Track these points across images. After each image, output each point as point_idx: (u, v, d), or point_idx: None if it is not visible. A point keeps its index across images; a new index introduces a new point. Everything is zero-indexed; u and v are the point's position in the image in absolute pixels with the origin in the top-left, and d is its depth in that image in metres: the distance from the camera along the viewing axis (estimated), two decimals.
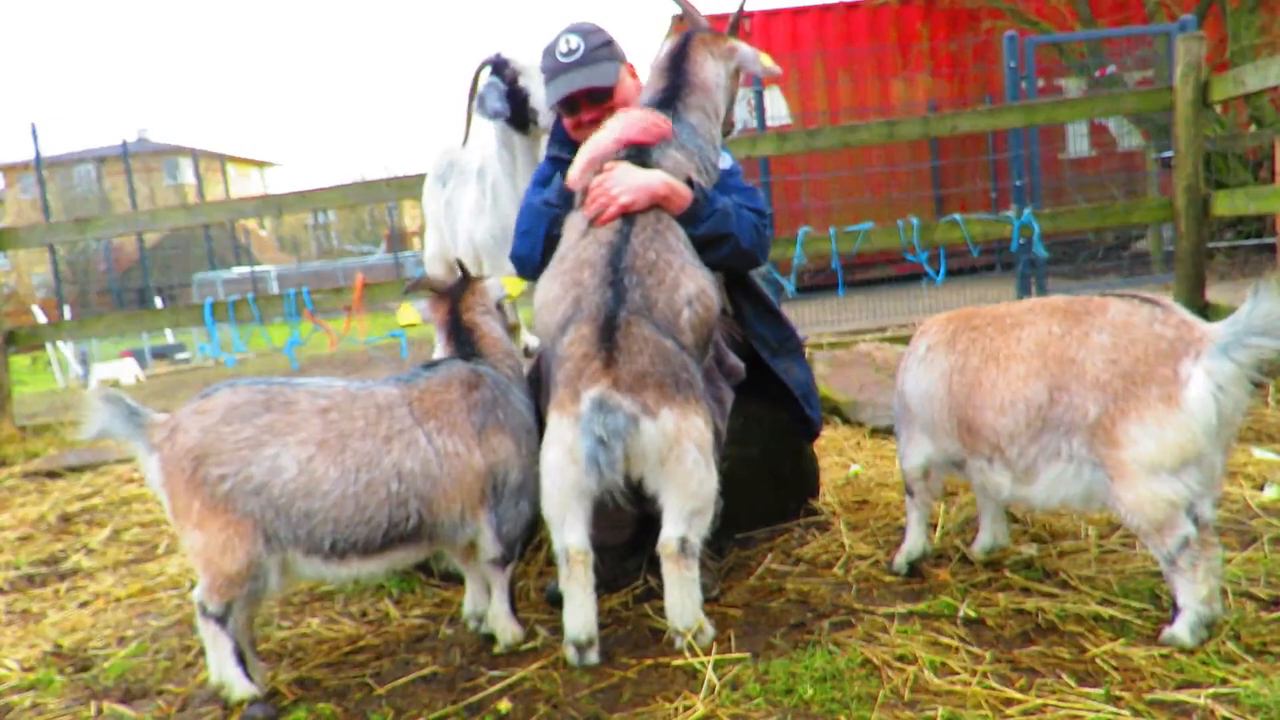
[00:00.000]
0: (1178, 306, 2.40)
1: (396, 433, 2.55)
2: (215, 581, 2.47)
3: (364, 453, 2.51)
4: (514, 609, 2.76)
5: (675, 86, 2.91)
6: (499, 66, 3.44)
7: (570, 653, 2.57)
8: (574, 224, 2.78)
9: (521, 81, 3.41)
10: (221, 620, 2.49)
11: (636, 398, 2.44)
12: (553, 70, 3.14)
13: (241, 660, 2.53)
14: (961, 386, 2.64)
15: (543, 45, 3.21)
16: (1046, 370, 2.44)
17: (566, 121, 3.26)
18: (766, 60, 3.01)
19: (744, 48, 3.01)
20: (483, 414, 2.64)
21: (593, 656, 2.56)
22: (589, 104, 3.14)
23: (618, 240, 2.65)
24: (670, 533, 2.53)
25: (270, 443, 2.47)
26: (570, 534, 2.53)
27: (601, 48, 3.14)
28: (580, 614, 2.55)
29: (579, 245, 2.70)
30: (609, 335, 2.51)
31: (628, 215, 2.68)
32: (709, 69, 2.97)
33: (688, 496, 2.52)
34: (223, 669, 2.51)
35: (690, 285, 2.65)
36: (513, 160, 3.69)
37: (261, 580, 2.51)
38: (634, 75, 3.27)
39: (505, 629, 2.74)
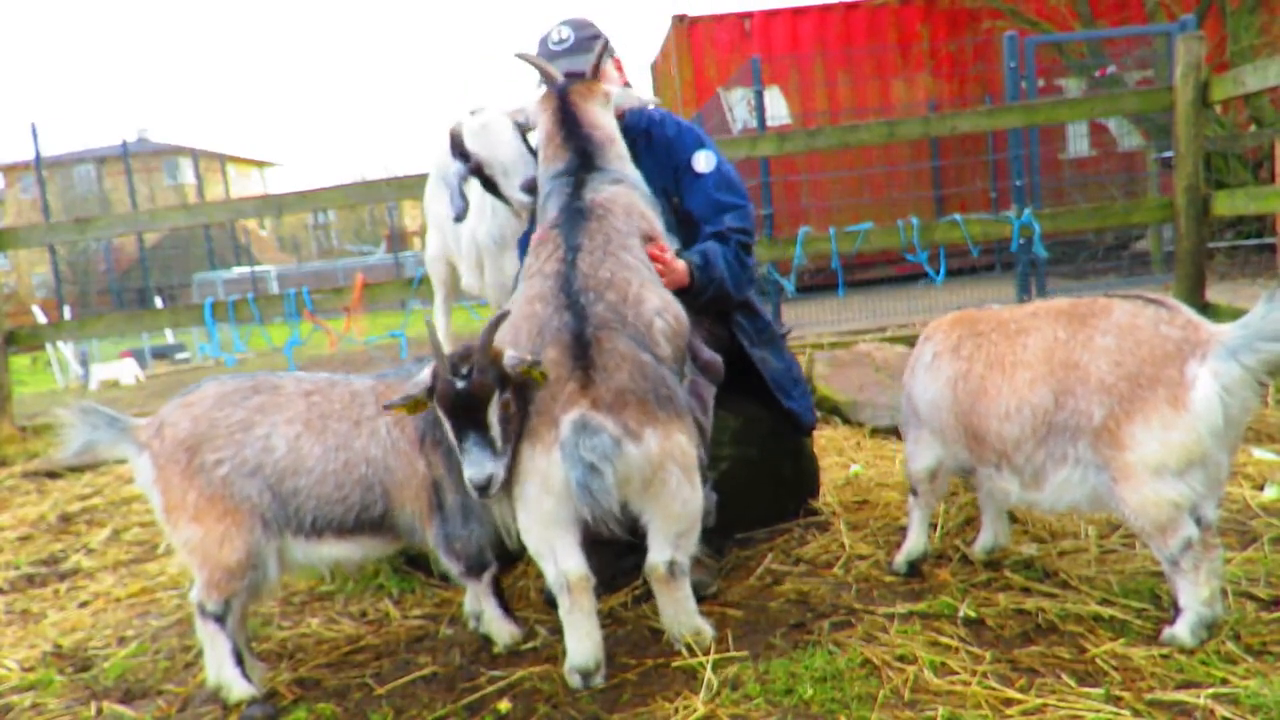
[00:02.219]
0: (1183, 307, 2.38)
1: (365, 419, 2.59)
2: (214, 576, 2.47)
3: (341, 433, 2.56)
4: (507, 610, 2.75)
5: (585, 152, 2.85)
6: (463, 157, 3.41)
7: (575, 680, 2.46)
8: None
9: (486, 172, 3.41)
10: (220, 619, 2.50)
11: (618, 418, 2.32)
12: (545, 57, 3.20)
13: (239, 661, 2.53)
14: (967, 394, 2.63)
15: (539, 36, 3.29)
16: (1052, 376, 2.42)
17: None
18: (640, 94, 3.05)
19: (615, 90, 3.03)
20: (424, 424, 2.57)
21: (598, 680, 2.47)
22: None
23: (563, 268, 2.57)
24: (656, 558, 2.48)
25: (261, 422, 2.54)
26: (566, 560, 2.41)
27: (590, 40, 3.20)
28: (586, 643, 2.45)
29: (526, 286, 2.66)
30: (581, 353, 2.39)
31: (571, 241, 2.63)
32: (602, 119, 2.94)
33: (673, 520, 2.45)
34: (221, 670, 2.51)
35: (654, 299, 2.58)
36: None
37: (261, 570, 2.53)
38: (620, 69, 3.34)
39: (500, 631, 2.73)
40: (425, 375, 2.44)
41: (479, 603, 2.82)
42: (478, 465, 2.33)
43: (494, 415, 2.35)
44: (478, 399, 2.33)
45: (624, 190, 2.79)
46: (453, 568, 2.64)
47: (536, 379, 2.40)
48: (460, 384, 2.34)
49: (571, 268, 2.56)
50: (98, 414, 2.58)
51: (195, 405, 2.56)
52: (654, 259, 2.76)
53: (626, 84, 3.32)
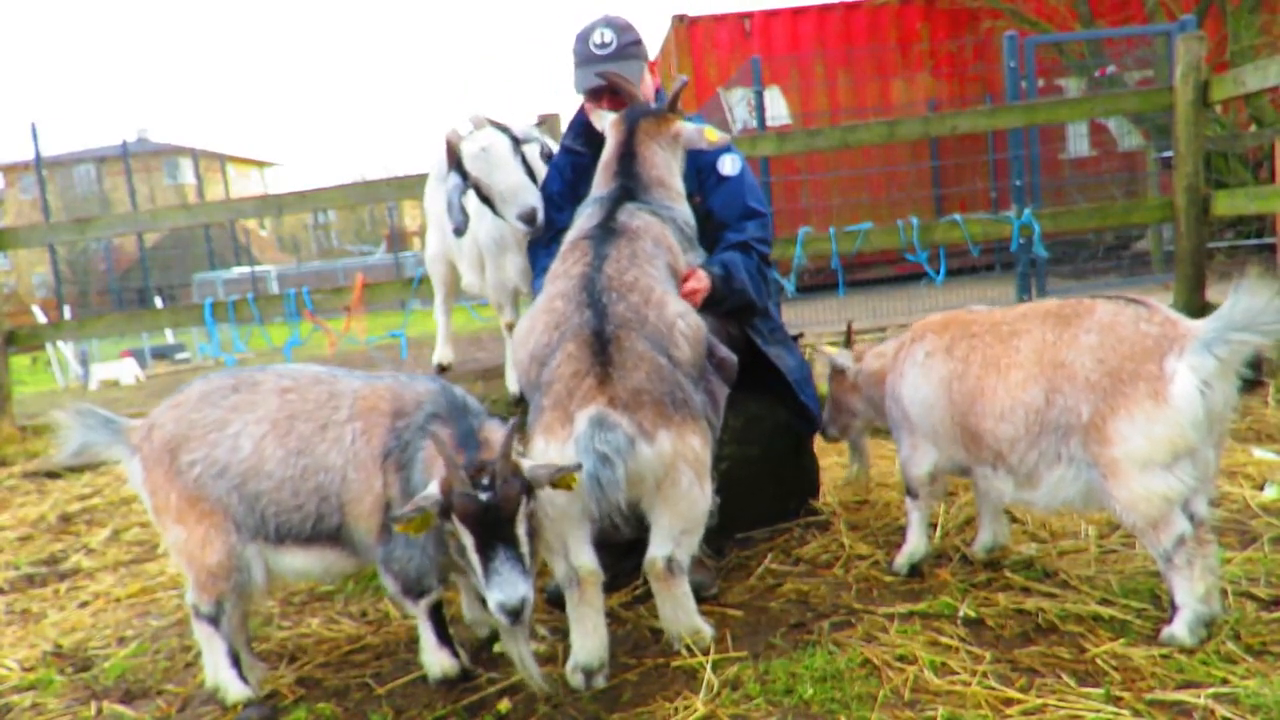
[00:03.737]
0: (1163, 306, 2.44)
1: (334, 422, 2.46)
2: (200, 578, 2.47)
3: (305, 436, 2.44)
4: (444, 640, 2.55)
5: (629, 189, 2.93)
6: (461, 170, 3.43)
7: (578, 680, 2.47)
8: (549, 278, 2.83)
9: (483, 192, 3.44)
10: (214, 621, 2.49)
11: (634, 417, 2.37)
12: (585, 58, 3.24)
13: (236, 662, 2.53)
14: (963, 395, 2.66)
15: (577, 31, 3.31)
16: (1042, 375, 2.46)
17: (587, 104, 3.34)
18: (711, 134, 3.06)
19: (688, 128, 3.05)
20: (394, 441, 2.42)
21: (600, 681, 2.48)
22: (611, 96, 3.23)
23: (589, 271, 2.63)
24: (656, 552, 2.50)
25: (233, 421, 2.48)
26: (577, 555, 2.44)
27: (631, 46, 3.25)
28: (593, 639, 2.46)
29: (550, 287, 2.73)
30: (600, 350, 2.45)
31: (599, 249, 2.69)
32: (659, 161, 3.00)
33: (678, 518, 2.48)
34: (218, 671, 2.51)
35: (676, 304, 2.65)
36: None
37: (244, 573, 2.49)
38: (653, 72, 3.37)
39: (432, 661, 2.55)
40: (434, 489, 2.21)
41: (475, 609, 2.82)
42: (509, 587, 2.12)
43: (522, 528, 2.19)
44: (506, 512, 2.15)
45: (658, 223, 2.86)
46: (389, 586, 2.51)
47: (567, 487, 2.26)
48: (485, 495, 2.14)
49: (597, 271, 2.62)
50: (94, 415, 2.58)
51: (181, 406, 2.55)
52: (684, 297, 2.80)
53: (658, 87, 3.37)
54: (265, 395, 2.51)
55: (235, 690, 2.51)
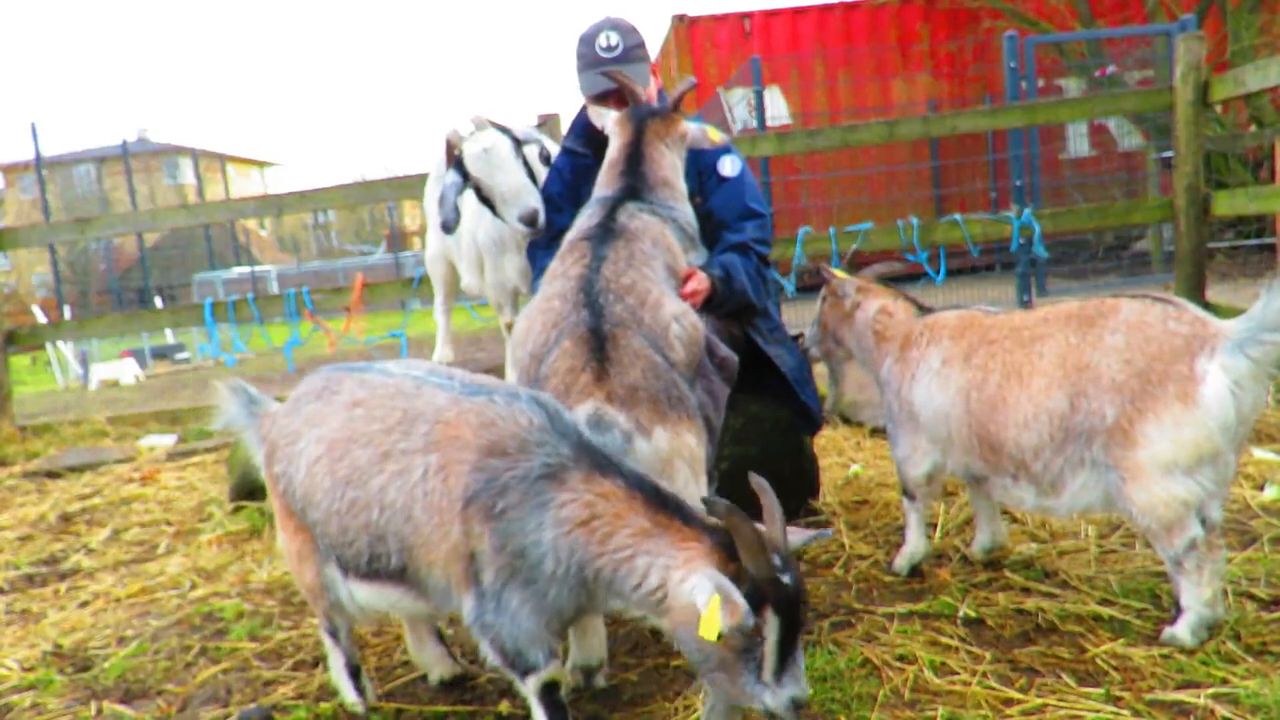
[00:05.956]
0: (1190, 304, 2.38)
1: (398, 451, 2.05)
2: (304, 592, 2.40)
3: (359, 464, 2.08)
4: None
5: (633, 188, 2.94)
6: (461, 170, 3.43)
7: (578, 680, 2.47)
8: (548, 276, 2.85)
9: (484, 193, 3.44)
10: (331, 634, 2.42)
11: (630, 414, 2.38)
12: (592, 61, 3.24)
13: (355, 674, 2.46)
14: (982, 404, 2.59)
15: (580, 33, 3.30)
16: (1066, 380, 2.40)
17: (592, 106, 3.35)
18: (714, 134, 3.07)
19: (693, 128, 3.07)
20: (482, 483, 1.96)
21: (600, 681, 2.47)
22: (618, 98, 3.24)
23: (587, 272, 2.65)
24: None
25: (303, 435, 2.20)
26: None
27: (636, 48, 3.25)
28: (592, 639, 2.46)
29: (548, 286, 2.75)
30: (598, 347, 2.46)
31: (597, 251, 2.71)
32: (665, 162, 3.01)
33: None
34: (337, 680, 2.47)
35: (672, 305, 2.66)
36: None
37: (334, 593, 2.28)
38: (655, 73, 3.38)
39: None
40: (717, 579, 1.77)
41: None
42: (803, 679, 1.83)
43: None
44: (806, 596, 1.87)
45: (657, 223, 2.87)
46: (493, 660, 2.07)
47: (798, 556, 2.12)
48: (787, 579, 1.81)
49: (595, 273, 2.64)
50: (244, 394, 2.46)
51: (287, 403, 2.33)
52: (684, 297, 2.81)
53: (660, 88, 3.37)
54: (335, 408, 2.17)
55: (350, 699, 2.46)
